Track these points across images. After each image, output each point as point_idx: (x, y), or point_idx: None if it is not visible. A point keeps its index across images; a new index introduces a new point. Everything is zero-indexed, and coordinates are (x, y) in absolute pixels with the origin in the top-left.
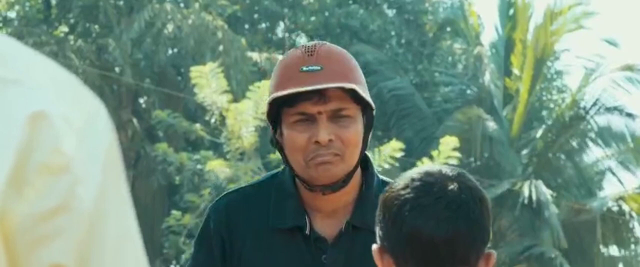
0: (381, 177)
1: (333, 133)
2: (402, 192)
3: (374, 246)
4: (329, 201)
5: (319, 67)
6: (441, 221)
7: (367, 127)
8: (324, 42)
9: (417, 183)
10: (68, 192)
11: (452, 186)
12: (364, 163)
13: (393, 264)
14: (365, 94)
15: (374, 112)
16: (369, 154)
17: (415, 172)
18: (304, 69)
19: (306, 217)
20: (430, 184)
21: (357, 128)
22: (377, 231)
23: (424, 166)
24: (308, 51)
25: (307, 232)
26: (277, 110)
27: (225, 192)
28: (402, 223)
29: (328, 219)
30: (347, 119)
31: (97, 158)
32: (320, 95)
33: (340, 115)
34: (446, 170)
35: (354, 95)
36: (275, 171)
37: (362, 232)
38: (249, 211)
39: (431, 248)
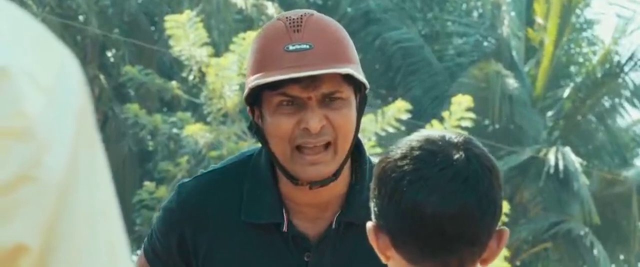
0: (374, 160)
1: (324, 118)
2: (400, 163)
3: (369, 224)
4: (314, 194)
5: (307, 46)
6: (446, 195)
7: (360, 110)
8: (311, 11)
9: (417, 152)
10: (32, 161)
11: (458, 155)
12: (356, 149)
13: (390, 245)
14: (360, 75)
15: (368, 90)
16: (370, 116)
17: (414, 138)
18: (291, 48)
19: (283, 213)
20: (433, 153)
21: (350, 112)
22: (372, 207)
23: (425, 131)
24: (293, 25)
25: (285, 229)
26: (257, 92)
27: (195, 176)
28: (400, 198)
29: (312, 215)
30: (340, 101)
31: (68, 122)
32: (310, 78)
33: (332, 97)
34: (450, 136)
35: (348, 78)
36: (250, 149)
37: (353, 229)
38: (219, 200)
39: (435, 226)
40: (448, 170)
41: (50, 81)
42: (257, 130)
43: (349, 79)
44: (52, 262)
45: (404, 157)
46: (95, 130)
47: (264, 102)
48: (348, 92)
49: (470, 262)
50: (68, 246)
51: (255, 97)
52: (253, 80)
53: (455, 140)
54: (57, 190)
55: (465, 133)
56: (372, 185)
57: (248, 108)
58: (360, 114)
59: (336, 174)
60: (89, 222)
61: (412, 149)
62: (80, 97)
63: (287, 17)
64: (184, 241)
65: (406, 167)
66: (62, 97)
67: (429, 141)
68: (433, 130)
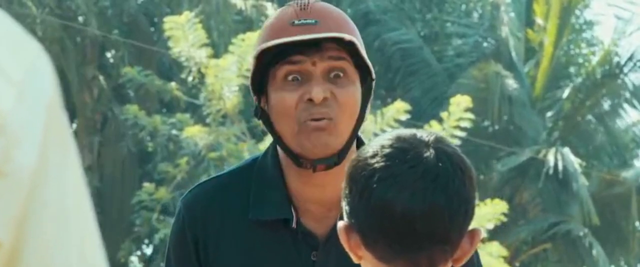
0: None
1: (328, 90)
2: (371, 160)
3: (340, 224)
4: (320, 188)
5: (313, 21)
6: (416, 193)
7: (365, 98)
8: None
9: (388, 150)
10: (1, 156)
11: (428, 153)
12: (359, 147)
13: (361, 244)
14: (365, 55)
15: (374, 83)
16: (369, 117)
17: (385, 137)
18: (297, 22)
19: (292, 209)
20: (403, 151)
21: (354, 90)
22: (344, 206)
23: (397, 130)
24: (300, 6)
25: (294, 225)
26: (262, 73)
27: (197, 183)
28: (370, 195)
29: (319, 214)
30: (345, 79)
31: (38, 117)
32: (315, 47)
33: (336, 74)
34: (421, 134)
35: (352, 53)
36: (255, 154)
37: None
38: (226, 203)
39: (405, 224)
40: (418, 167)
41: (20, 76)
42: (262, 114)
43: (355, 61)
44: (23, 257)
45: (374, 155)
46: (67, 126)
47: (270, 81)
48: (353, 72)
49: (442, 261)
50: (39, 241)
51: (260, 81)
52: (258, 47)
53: (426, 138)
54: (27, 185)
55: (438, 132)
56: (343, 184)
57: (254, 97)
58: (365, 102)
59: (340, 156)
60: (60, 218)
61: (382, 147)
62: (50, 93)
63: (295, 2)
64: (197, 244)
65: (376, 165)
66: (32, 93)
67: (399, 139)
68: (405, 129)
